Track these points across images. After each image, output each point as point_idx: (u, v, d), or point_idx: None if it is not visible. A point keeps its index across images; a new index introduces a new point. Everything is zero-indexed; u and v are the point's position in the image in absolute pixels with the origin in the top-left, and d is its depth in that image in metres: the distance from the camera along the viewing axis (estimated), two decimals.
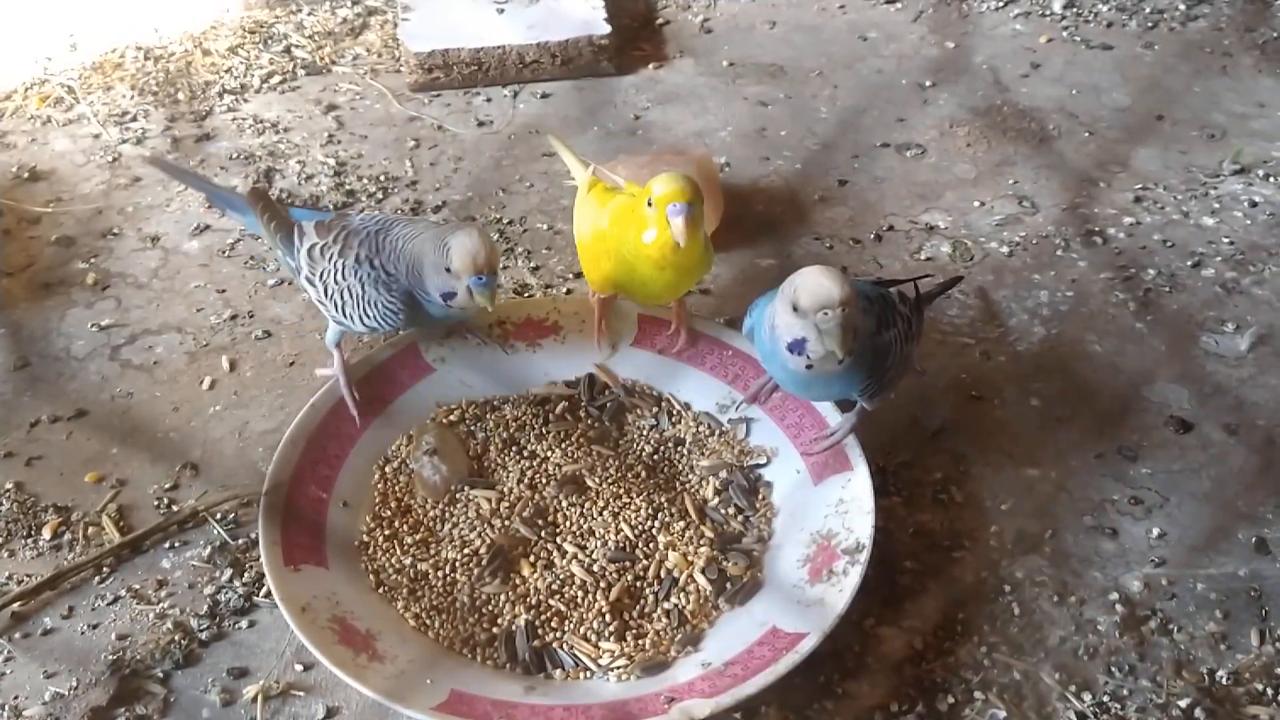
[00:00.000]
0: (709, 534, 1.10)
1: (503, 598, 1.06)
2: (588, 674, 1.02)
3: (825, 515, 1.10)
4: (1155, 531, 1.16)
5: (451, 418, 1.22)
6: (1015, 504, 1.18)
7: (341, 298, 1.14)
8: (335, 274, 1.14)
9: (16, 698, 1.01)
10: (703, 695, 0.95)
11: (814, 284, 0.97)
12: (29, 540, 1.15)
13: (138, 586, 1.11)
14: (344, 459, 1.17)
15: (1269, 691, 1.02)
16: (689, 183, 1.08)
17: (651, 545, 1.10)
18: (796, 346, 1.00)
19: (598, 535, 1.11)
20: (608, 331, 1.27)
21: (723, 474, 1.16)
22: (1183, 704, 1.01)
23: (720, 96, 1.81)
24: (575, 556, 1.08)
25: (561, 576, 1.07)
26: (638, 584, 1.07)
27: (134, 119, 1.73)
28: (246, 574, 1.11)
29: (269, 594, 1.05)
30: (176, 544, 1.14)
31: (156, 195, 1.59)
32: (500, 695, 0.98)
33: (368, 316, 1.14)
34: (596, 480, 1.15)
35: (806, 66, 1.88)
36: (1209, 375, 1.33)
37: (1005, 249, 1.49)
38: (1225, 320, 1.39)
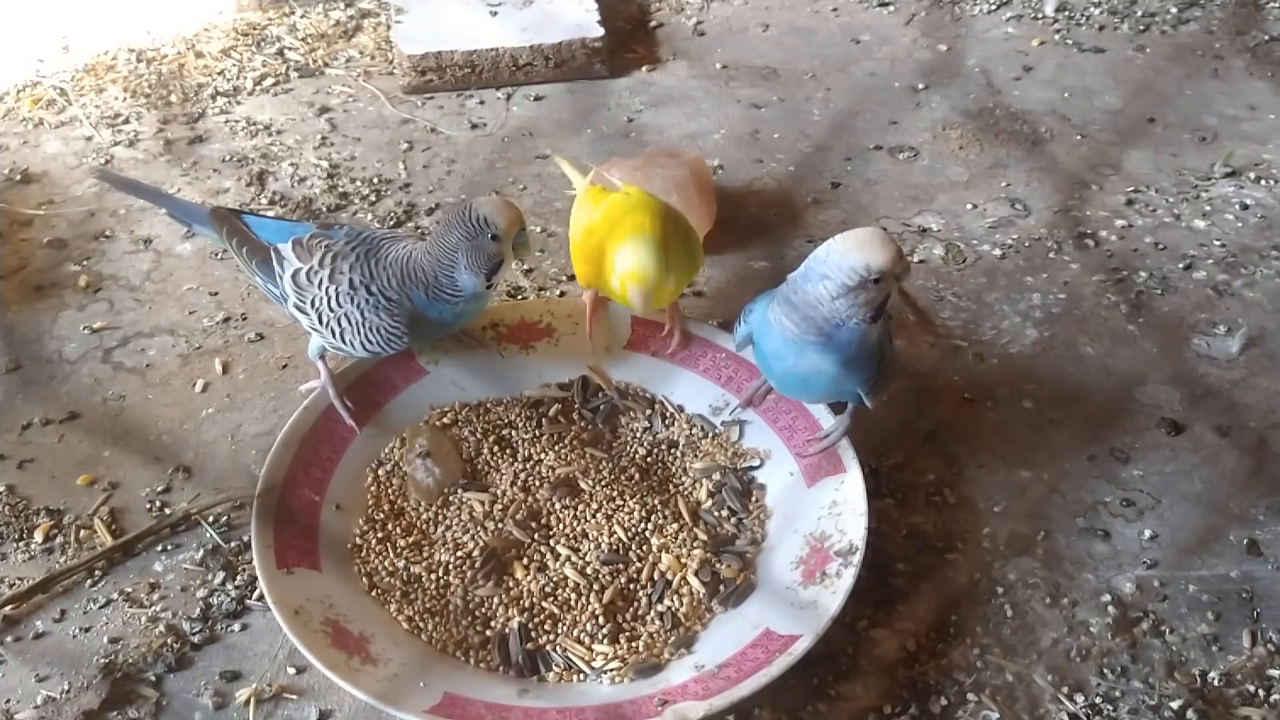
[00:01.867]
0: (702, 536, 1.10)
1: (496, 600, 1.06)
2: (581, 676, 1.02)
3: (818, 517, 1.10)
4: (1147, 533, 1.16)
5: (445, 420, 1.22)
6: (1008, 506, 1.19)
7: (339, 325, 1.12)
8: (329, 301, 1.12)
9: (8, 701, 1.01)
10: (696, 697, 0.95)
11: (879, 250, 0.97)
12: (21, 543, 1.14)
13: (130, 589, 1.10)
14: (337, 462, 1.17)
15: (1260, 693, 1.03)
16: (653, 262, 1.10)
17: (645, 548, 1.10)
18: (879, 312, 1.01)
19: (591, 538, 1.11)
20: (600, 330, 1.27)
21: (716, 476, 1.16)
22: (1175, 705, 1.01)
23: (713, 99, 1.81)
24: (568, 559, 1.08)
25: (555, 579, 1.07)
26: (631, 586, 1.07)
27: (126, 121, 1.72)
28: (239, 577, 1.11)
29: (261, 597, 1.05)
30: (169, 547, 1.14)
31: None
32: (493, 698, 0.98)
33: (370, 342, 1.12)
34: (590, 483, 1.15)
35: (799, 69, 1.88)
36: (1200, 377, 1.33)
37: (998, 251, 1.50)
38: (1216, 322, 1.40)
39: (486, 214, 1.09)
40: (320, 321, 1.13)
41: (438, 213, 1.56)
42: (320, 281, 1.12)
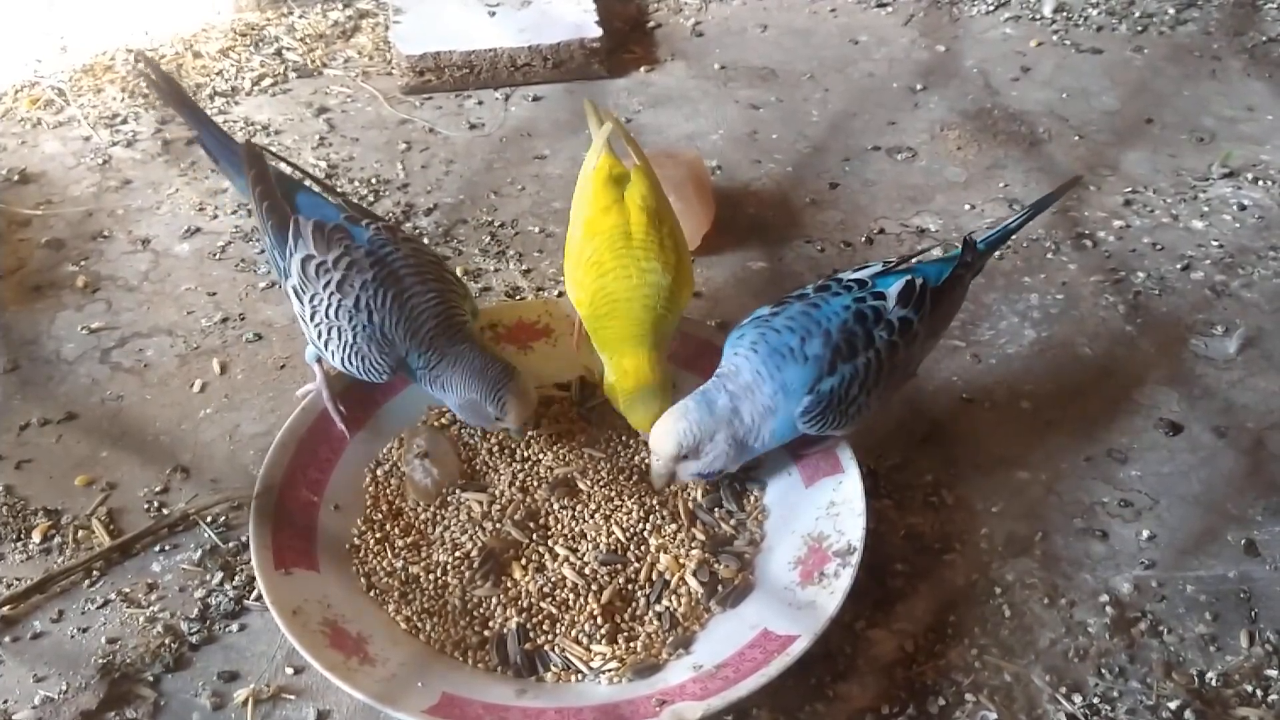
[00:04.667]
0: (700, 536, 1.10)
1: (494, 600, 1.06)
2: (579, 676, 1.02)
3: (816, 518, 1.10)
4: (1145, 534, 1.16)
5: (443, 420, 1.22)
6: (1005, 506, 1.19)
7: (329, 334, 1.10)
8: (329, 308, 1.09)
9: (6, 701, 1.01)
10: (694, 697, 0.95)
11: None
12: (18, 544, 1.14)
13: (128, 590, 1.10)
14: (335, 462, 1.16)
15: (1258, 693, 1.03)
16: (659, 410, 1.09)
17: (643, 548, 1.10)
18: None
19: (589, 538, 1.10)
20: (587, 342, 1.26)
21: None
22: (1172, 705, 1.01)
23: (711, 99, 1.81)
24: (567, 559, 1.08)
25: (553, 579, 1.07)
26: (629, 587, 1.07)
27: (124, 121, 1.72)
28: (237, 577, 1.11)
29: (260, 597, 1.05)
30: (167, 547, 1.14)
31: (147, 198, 1.58)
32: (492, 698, 0.98)
33: (350, 363, 1.10)
34: (588, 483, 1.15)
35: (798, 70, 1.88)
36: (1198, 378, 1.33)
37: (995, 252, 1.49)
38: (1214, 323, 1.40)
39: (508, 404, 1.09)
40: (311, 318, 1.10)
41: (434, 213, 1.56)
42: (328, 283, 1.08)
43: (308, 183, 1.21)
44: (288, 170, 1.19)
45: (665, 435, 1.07)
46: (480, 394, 1.09)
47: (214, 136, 1.21)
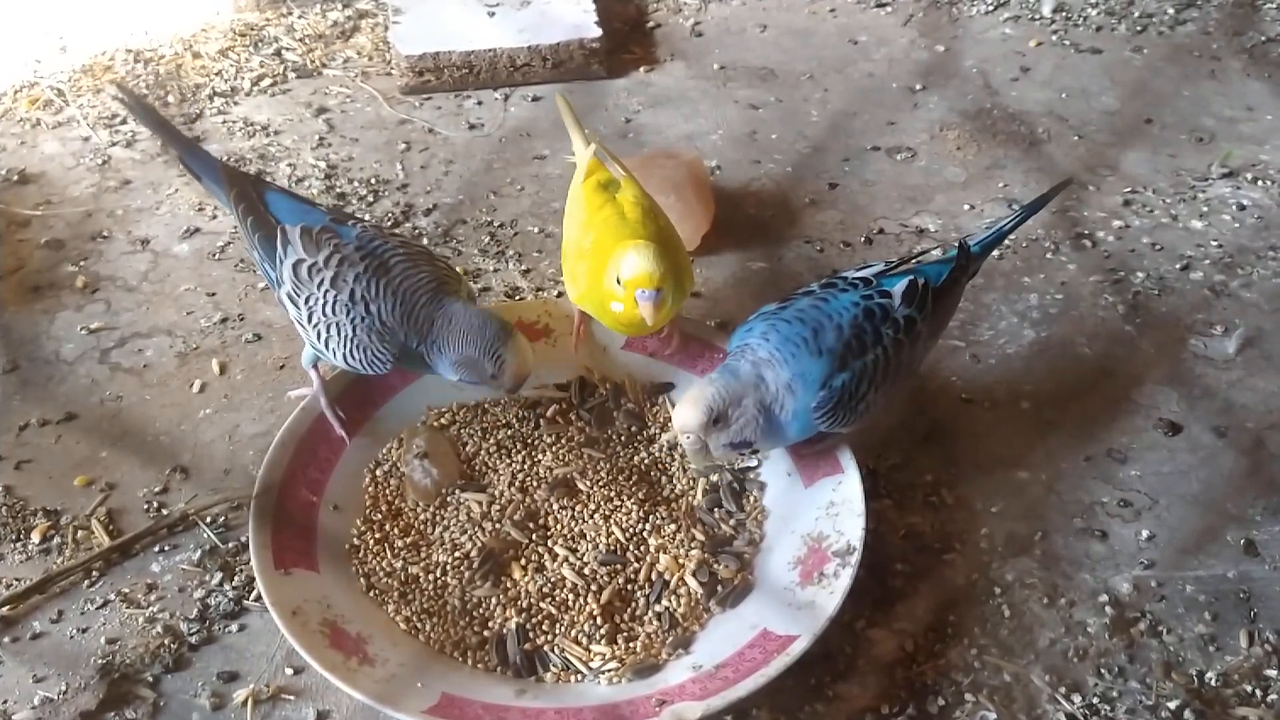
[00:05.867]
0: (700, 537, 1.10)
1: (494, 601, 1.06)
2: (579, 677, 1.02)
3: (816, 518, 1.10)
4: (1144, 534, 1.16)
5: (442, 421, 1.22)
6: (1005, 506, 1.19)
7: (328, 332, 1.09)
8: (325, 306, 1.09)
9: (5, 702, 1.01)
10: (694, 697, 0.95)
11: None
12: (18, 544, 1.14)
13: (127, 590, 1.10)
14: (334, 462, 1.16)
15: (1257, 693, 1.03)
16: (658, 264, 1.06)
17: (642, 548, 1.10)
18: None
19: (589, 538, 1.10)
20: (585, 344, 1.26)
21: (713, 476, 1.16)
22: (1172, 705, 1.01)
23: (711, 100, 1.81)
24: (566, 559, 1.08)
25: (552, 579, 1.07)
26: (629, 587, 1.07)
27: (124, 122, 1.72)
28: (236, 577, 1.11)
29: (259, 598, 1.05)
30: (166, 548, 1.14)
31: (146, 198, 1.58)
32: (491, 698, 0.98)
33: (352, 358, 1.10)
34: (587, 483, 1.15)
35: (797, 70, 1.88)
36: (1198, 378, 1.33)
37: (995, 252, 1.49)
38: (1214, 323, 1.40)
39: (505, 362, 1.09)
40: (308, 319, 1.10)
41: (434, 213, 1.56)
42: (321, 282, 1.09)
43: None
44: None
45: (693, 403, 1.03)
46: (478, 349, 1.09)
47: (193, 156, 1.20)
